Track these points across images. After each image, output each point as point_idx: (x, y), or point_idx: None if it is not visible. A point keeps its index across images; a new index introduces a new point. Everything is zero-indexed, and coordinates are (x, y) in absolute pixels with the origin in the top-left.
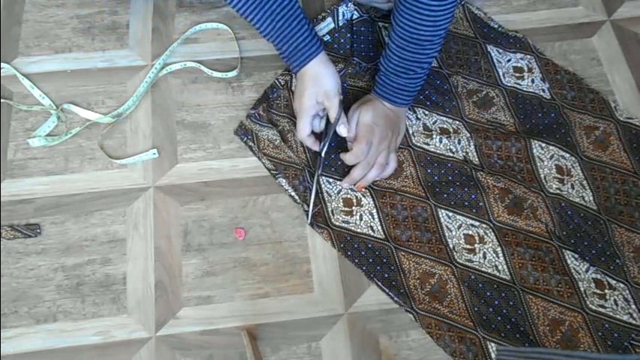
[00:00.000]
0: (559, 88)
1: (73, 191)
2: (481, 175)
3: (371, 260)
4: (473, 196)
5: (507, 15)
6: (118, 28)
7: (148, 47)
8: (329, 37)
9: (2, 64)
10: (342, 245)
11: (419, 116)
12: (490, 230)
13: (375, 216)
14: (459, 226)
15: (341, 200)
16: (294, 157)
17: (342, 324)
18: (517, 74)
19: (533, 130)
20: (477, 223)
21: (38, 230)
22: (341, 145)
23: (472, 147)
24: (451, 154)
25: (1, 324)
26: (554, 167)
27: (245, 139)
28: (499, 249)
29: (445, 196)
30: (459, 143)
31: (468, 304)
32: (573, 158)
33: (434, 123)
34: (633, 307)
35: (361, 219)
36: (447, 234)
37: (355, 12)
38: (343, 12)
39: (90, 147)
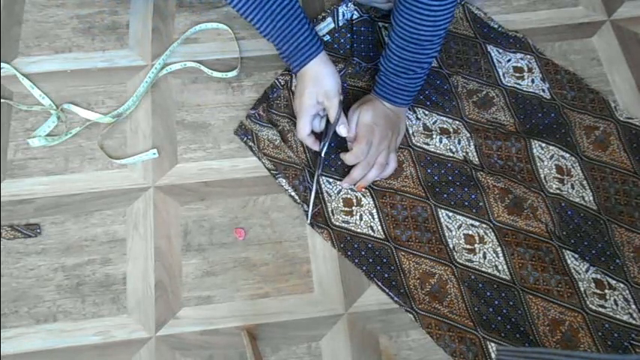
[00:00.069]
0: (559, 88)
1: (73, 191)
2: (481, 175)
3: (371, 260)
4: (473, 196)
5: (507, 15)
6: (118, 28)
7: (148, 47)
8: (329, 37)
9: (2, 64)
10: (342, 245)
11: (419, 116)
12: (490, 230)
13: (375, 216)
14: (459, 226)
15: (341, 200)
16: (294, 157)
17: (342, 324)
18: (517, 74)
19: (533, 130)
20: (477, 223)
21: (38, 230)
22: (341, 145)
23: (472, 147)
24: (451, 154)
25: (1, 324)
26: (554, 167)
27: (245, 139)
28: (499, 249)
29: (445, 196)
30: (459, 143)
31: (468, 304)
32: (573, 158)
33: (434, 123)
34: (633, 307)
35: (361, 219)
36: (447, 234)
37: (355, 12)
38: (343, 12)
39: (90, 147)
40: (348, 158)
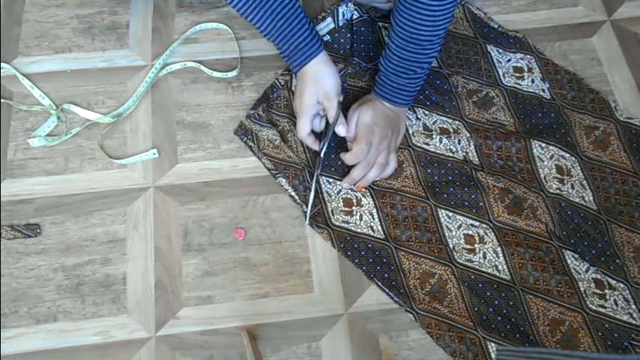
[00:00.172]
0: (559, 88)
1: (73, 191)
2: (481, 175)
3: (371, 260)
4: (473, 196)
5: (507, 15)
6: (118, 28)
7: (148, 47)
8: (329, 37)
9: (2, 64)
10: (342, 245)
11: (419, 116)
12: (490, 230)
13: (375, 216)
14: (459, 226)
15: (341, 200)
16: (294, 157)
17: (342, 324)
18: (517, 74)
19: (533, 130)
20: (477, 223)
21: (38, 230)
22: (341, 145)
23: (472, 147)
24: (451, 154)
25: (1, 324)
26: (554, 167)
27: (245, 139)
28: (499, 249)
29: (445, 196)
30: (459, 143)
31: (468, 304)
32: (573, 158)
33: (434, 123)
34: (633, 307)
35: (361, 219)
36: (447, 234)
37: (355, 12)
38: (343, 12)
39: (90, 147)
40: (348, 158)
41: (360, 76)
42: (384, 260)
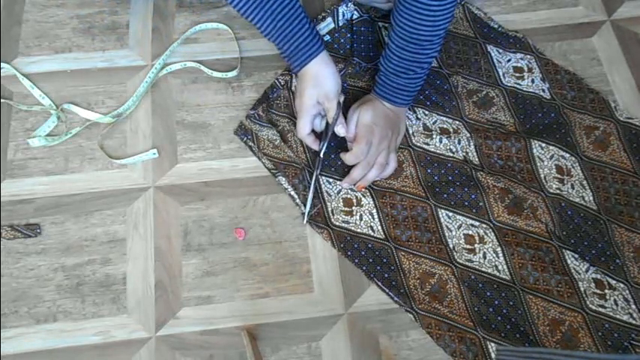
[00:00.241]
0: (559, 88)
1: (73, 191)
2: (481, 175)
3: (371, 260)
4: (473, 196)
5: (507, 15)
6: (118, 28)
7: (148, 47)
8: (329, 37)
9: (2, 64)
10: (342, 245)
11: (419, 116)
12: (490, 230)
13: (375, 216)
14: (459, 226)
15: (341, 200)
16: (294, 157)
17: (342, 324)
18: (517, 74)
19: (533, 130)
20: (477, 223)
21: (38, 230)
22: (341, 145)
23: (472, 147)
24: (451, 154)
25: (1, 324)
26: (554, 167)
27: (245, 139)
28: (499, 249)
29: (445, 196)
30: (459, 143)
31: (468, 304)
32: (573, 158)
33: (434, 123)
34: (633, 307)
35: (361, 219)
36: (447, 234)
37: (355, 12)
38: (343, 12)
39: (90, 147)
40: (347, 158)
41: (360, 76)
42: (384, 260)
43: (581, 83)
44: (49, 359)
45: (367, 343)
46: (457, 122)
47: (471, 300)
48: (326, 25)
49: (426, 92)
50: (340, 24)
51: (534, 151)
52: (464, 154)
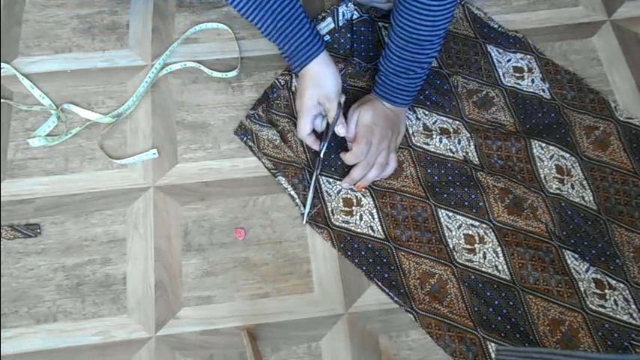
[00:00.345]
0: (559, 88)
1: (73, 191)
2: (481, 175)
3: (371, 260)
4: (473, 196)
5: (507, 15)
6: (118, 28)
7: (148, 47)
8: (329, 37)
9: (2, 64)
10: (342, 245)
11: (419, 116)
12: (490, 230)
13: (375, 216)
14: (459, 226)
15: (341, 200)
16: (294, 157)
17: (342, 324)
18: (517, 74)
19: (533, 130)
20: (477, 223)
21: (38, 230)
22: (341, 145)
23: (472, 147)
24: (451, 154)
25: (1, 324)
26: (554, 167)
27: (245, 139)
28: (499, 249)
29: (445, 196)
30: (459, 143)
31: (468, 304)
32: (573, 158)
33: (434, 123)
34: (633, 307)
35: (361, 219)
36: (447, 234)
37: (355, 12)
38: (343, 12)
39: (90, 147)
40: (347, 158)
41: (360, 76)
42: (384, 260)
43: (581, 83)
44: (49, 359)
45: (367, 343)
46: (457, 122)
47: (471, 300)
48: (326, 25)
49: (426, 92)
50: (340, 24)
51: (534, 151)
52: (464, 154)
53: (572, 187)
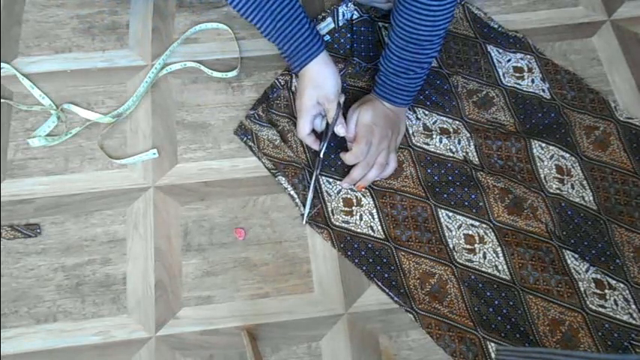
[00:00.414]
0: (559, 88)
1: (73, 191)
2: (481, 175)
3: (371, 260)
4: (473, 196)
5: (507, 15)
6: (118, 28)
7: (148, 47)
8: (329, 37)
9: (2, 64)
10: (342, 245)
11: (419, 116)
12: (490, 230)
13: (375, 216)
14: (459, 226)
15: (341, 200)
16: (294, 157)
17: (342, 324)
18: (517, 74)
19: (533, 130)
20: (477, 223)
21: (38, 230)
22: (341, 145)
23: (472, 147)
24: (451, 154)
25: (1, 324)
26: (554, 167)
27: (245, 139)
28: (499, 249)
29: (445, 196)
30: (459, 143)
31: (468, 304)
32: (573, 158)
33: (434, 123)
34: (633, 307)
35: (361, 219)
36: (447, 234)
37: (355, 12)
38: (343, 12)
39: (90, 147)
40: (347, 158)
41: (360, 76)
42: (384, 260)
43: (581, 83)
44: (49, 359)
45: (367, 343)
46: (457, 122)
47: (470, 300)
48: (326, 25)
49: (426, 92)
50: (340, 24)
51: (534, 151)
52: (464, 154)
53: (572, 187)
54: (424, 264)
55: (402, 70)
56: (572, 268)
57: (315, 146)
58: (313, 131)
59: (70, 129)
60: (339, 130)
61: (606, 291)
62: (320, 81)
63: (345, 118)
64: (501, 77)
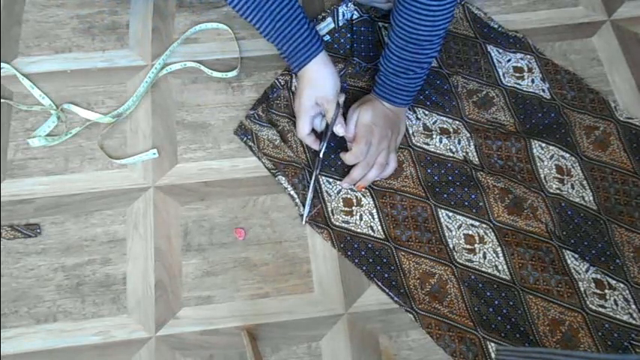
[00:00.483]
0: (559, 88)
1: (73, 191)
2: (481, 175)
3: (371, 260)
4: (473, 196)
5: (507, 15)
6: (118, 28)
7: (148, 47)
8: (329, 37)
9: (2, 64)
10: (342, 245)
11: (419, 116)
12: (490, 230)
13: (375, 216)
14: (459, 226)
15: (341, 200)
16: (293, 156)
17: (342, 324)
18: (517, 74)
19: (533, 130)
20: (477, 223)
21: (38, 230)
22: (341, 145)
23: (472, 147)
24: (451, 154)
25: (1, 324)
26: (554, 167)
27: (245, 139)
28: (499, 249)
29: (445, 196)
30: (459, 143)
31: (468, 304)
32: (573, 158)
33: (434, 123)
34: (633, 307)
35: (361, 219)
36: (447, 234)
37: (355, 12)
38: (343, 12)
39: (90, 147)
40: (347, 158)
41: (360, 76)
42: (384, 260)
43: (581, 83)
44: (49, 359)
45: (367, 343)
46: (457, 122)
47: (470, 300)
48: (326, 25)
49: (426, 92)
50: (340, 24)
51: (534, 151)
52: (464, 154)
53: (572, 187)
54: (424, 264)
55: (401, 70)
56: (572, 268)
57: (314, 146)
58: (313, 131)
59: (70, 129)
60: (338, 129)
61: (606, 291)
62: (319, 81)
63: (345, 118)
64: (501, 77)
